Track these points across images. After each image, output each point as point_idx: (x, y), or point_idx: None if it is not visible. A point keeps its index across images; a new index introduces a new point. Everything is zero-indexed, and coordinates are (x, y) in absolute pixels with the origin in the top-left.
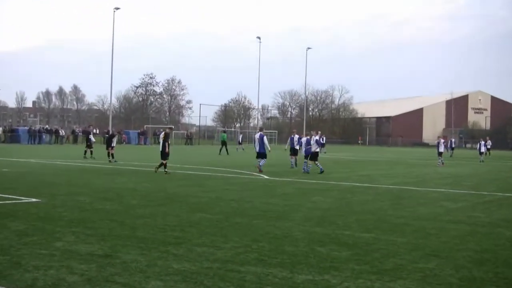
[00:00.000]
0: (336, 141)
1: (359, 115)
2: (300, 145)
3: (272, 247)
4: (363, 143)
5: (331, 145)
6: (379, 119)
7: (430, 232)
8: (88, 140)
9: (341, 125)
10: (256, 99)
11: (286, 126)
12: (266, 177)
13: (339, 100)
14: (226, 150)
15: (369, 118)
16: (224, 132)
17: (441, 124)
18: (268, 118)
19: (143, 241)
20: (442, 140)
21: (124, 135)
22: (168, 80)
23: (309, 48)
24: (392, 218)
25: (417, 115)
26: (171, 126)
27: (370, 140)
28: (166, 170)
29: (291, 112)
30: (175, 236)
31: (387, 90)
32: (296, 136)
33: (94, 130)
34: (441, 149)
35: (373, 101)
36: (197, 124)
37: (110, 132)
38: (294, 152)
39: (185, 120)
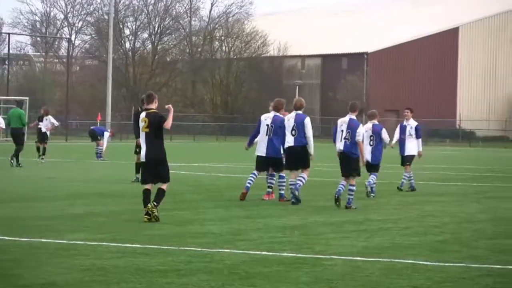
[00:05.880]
0: (206, 125)
1: (272, 51)
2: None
3: None
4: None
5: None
6: (328, 59)
7: None
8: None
9: (216, 81)
10: None
11: (51, 81)
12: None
13: (213, 6)
14: (17, 156)
15: (301, 57)
16: (20, 105)
17: None
18: None
19: None
20: None
21: None
22: None
23: None
24: None
25: (444, 48)
26: None
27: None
28: None
29: (54, 41)
30: None
31: None
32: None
33: None
34: None
35: (313, 9)
36: None
37: None
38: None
39: None
